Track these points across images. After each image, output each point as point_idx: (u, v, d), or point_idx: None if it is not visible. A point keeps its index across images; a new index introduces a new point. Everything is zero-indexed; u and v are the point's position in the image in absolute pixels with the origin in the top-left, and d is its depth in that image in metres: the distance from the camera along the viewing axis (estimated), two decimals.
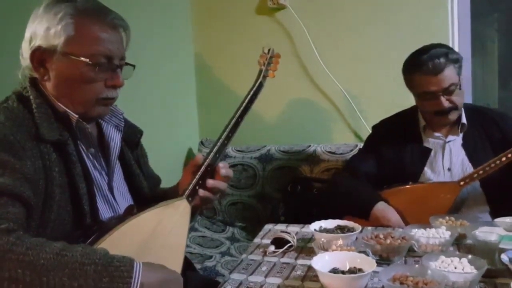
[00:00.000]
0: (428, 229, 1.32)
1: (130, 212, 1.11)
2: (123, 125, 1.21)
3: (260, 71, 1.34)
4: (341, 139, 2.52)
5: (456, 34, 2.38)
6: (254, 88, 1.30)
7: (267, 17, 2.59)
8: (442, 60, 1.65)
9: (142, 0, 2.24)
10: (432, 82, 1.66)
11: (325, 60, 2.48)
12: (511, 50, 2.69)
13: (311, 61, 2.52)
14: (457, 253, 1.22)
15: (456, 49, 2.39)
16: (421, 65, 1.67)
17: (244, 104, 1.26)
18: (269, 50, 1.39)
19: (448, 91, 1.66)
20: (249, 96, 1.28)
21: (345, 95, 2.49)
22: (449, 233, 1.29)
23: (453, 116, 1.72)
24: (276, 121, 2.66)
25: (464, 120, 1.76)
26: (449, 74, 1.65)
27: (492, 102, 2.71)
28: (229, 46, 2.68)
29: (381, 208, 1.61)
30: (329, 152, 2.40)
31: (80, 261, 0.87)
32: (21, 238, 0.87)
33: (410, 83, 1.76)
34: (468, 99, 2.45)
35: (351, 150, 2.35)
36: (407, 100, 1.89)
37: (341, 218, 1.51)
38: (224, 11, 2.67)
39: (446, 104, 1.67)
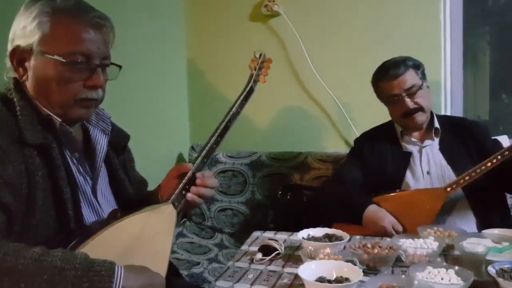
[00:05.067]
0: (416, 239, 1.32)
1: (113, 217, 1.08)
2: (110, 129, 1.19)
3: (251, 75, 1.33)
4: (332, 147, 2.52)
5: (448, 45, 2.40)
6: (245, 93, 1.29)
7: (261, 24, 2.59)
8: (401, 65, 1.79)
9: (135, 5, 2.23)
10: (394, 85, 1.79)
11: (317, 68, 2.49)
12: (502, 62, 2.71)
13: (304, 68, 2.52)
14: (444, 264, 1.22)
15: (448, 60, 2.41)
16: (384, 72, 1.83)
17: (234, 108, 1.25)
18: (260, 54, 1.38)
19: (410, 92, 1.77)
20: (239, 101, 1.27)
21: (337, 103, 2.49)
22: (436, 243, 1.29)
23: (420, 118, 1.80)
24: (267, 127, 2.65)
25: (437, 125, 1.84)
26: (409, 77, 1.78)
27: (483, 113, 2.72)
28: (222, 52, 2.67)
29: (373, 210, 1.66)
30: (320, 160, 2.39)
31: (60, 266, 0.85)
32: None
33: (377, 92, 1.90)
34: (459, 111, 2.47)
35: (342, 158, 2.34)
36: None
37: (330, 225, 1.51)
38: (218, 17, 2.67)
39: (410, 104, 1.77)
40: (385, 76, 1.81)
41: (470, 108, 2.63)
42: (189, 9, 2.71)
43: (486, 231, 1.41)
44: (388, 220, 1.62)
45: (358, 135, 2.42)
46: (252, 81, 1.32)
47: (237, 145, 2.51)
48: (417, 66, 1.82)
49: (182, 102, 2.75)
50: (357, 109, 2.48)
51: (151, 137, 2.30)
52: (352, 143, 2.48)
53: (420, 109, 1.78)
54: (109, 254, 0.94)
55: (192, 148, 2.63)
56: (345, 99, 2.49)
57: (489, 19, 2.69)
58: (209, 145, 1.19)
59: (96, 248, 0.95)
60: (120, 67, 1.15)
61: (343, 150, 2.48)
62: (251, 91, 1.31)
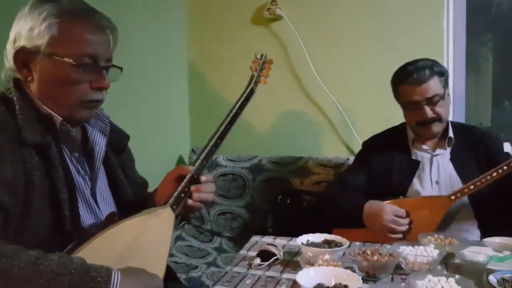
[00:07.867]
0: (416, 246, 1.31)
1: (111, 219, 1.08)
2: (108, 130, 1.18)
3: (252, 76, 1.32)
4: (333, 152, 2.50)
5: (451, 52, 2.39)
6: (245, 94, 1.28)
7: (263, 27, 2.59)
8: (427, 71, 1.70)
9: (136, 7, 2.23)
10: (416, 92, 1.70)
11: (319, 72, 2.48)
12: (505, 69, 2.71)
13: (306, 72, 2.52)
14: (445, 272, 1.20)
15: (451, 66, 2.40)
16: (407, 75, 1.72)
17: (234, 110, 1.24)
18: (261, 55, 1.37)
19: (431, 101, 1.70)
20: (239, 102, 1.26)
21: (338, 107, 2.48)
22: (437, 251, 1.27)
23: (436, 128, 1.74)
24: (268, 131, 2.65)
25: (451, 134, 1.79)
26: (433, 85, 1.70)
27: (485, 120, 2.71)
28: (223, 55, 2.67)
29: (371, 204, 1.64)
30: (321, 164, 2.38)
31: (56, 271, 0.84)
32: None
33: (396, 94, 1.82)
34: (461, 117, 2.46)
35: (343, 163, 2.34)
36: (400, 114, 1.89)
37: (329, 230, 1.48)
38: (220, 19, 2.67)
39: (429, 114, 1.70)
40: (407, 80, 1.72)
41: (473, 115, 2.62)
42: (191, 12, 2.70)
43: (487, 240, 1.40)
44: (386, 211, 1.58)
45: (359, 140, 2.42)
46: (253, 82, 1.31)
47: (237, 148, 2.50)
48: (442, 73, 1.73)
49: (183, 105, 2.74)
50: (359, 114, 2.47)
51: (151, 140, 2.29)
52: (353, 147, 2.49)
53: (438, 119, 1.72)
54: (106, 258, 0.93)
55: (193, 150, 2.62)
56: (347, 103, 2.48)
57: (492, 26, 2.68)
58: (208, 147, 1.18)
59: (93, 251, 0.94)
60: (121, 69, 1.14)
61: (344, 155, 2.47)
62: (251, 92, 1.30)
